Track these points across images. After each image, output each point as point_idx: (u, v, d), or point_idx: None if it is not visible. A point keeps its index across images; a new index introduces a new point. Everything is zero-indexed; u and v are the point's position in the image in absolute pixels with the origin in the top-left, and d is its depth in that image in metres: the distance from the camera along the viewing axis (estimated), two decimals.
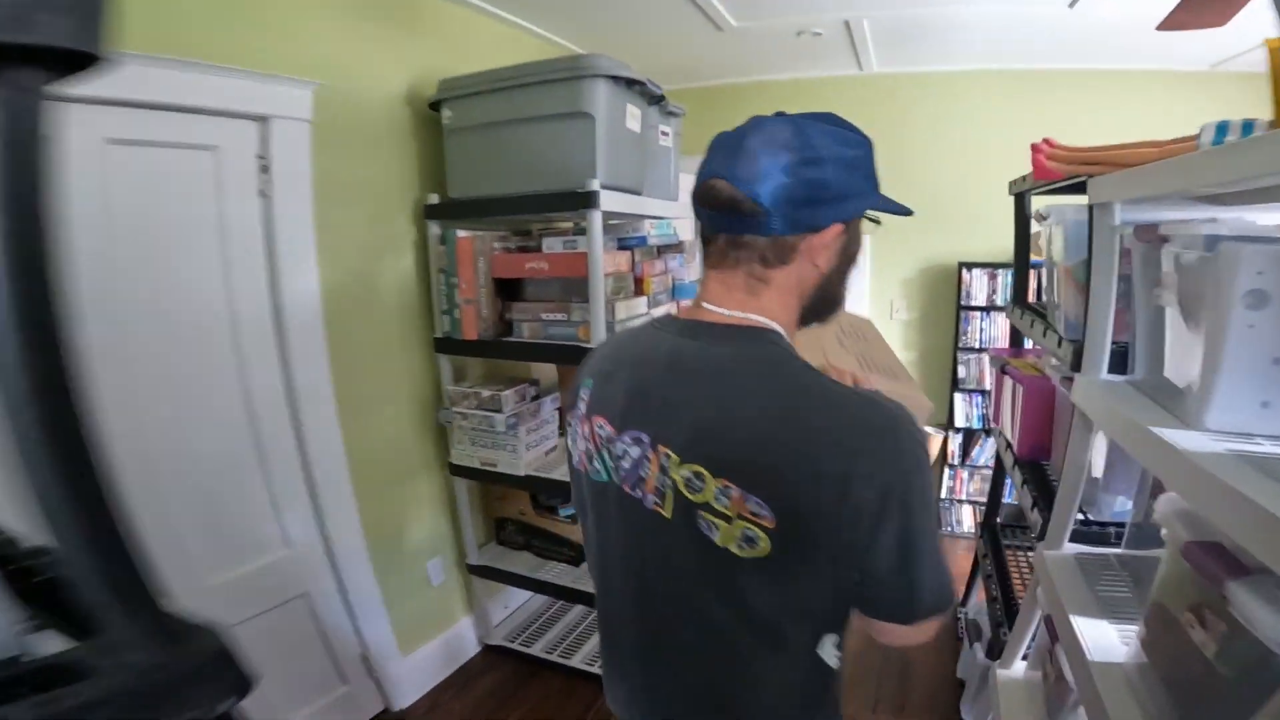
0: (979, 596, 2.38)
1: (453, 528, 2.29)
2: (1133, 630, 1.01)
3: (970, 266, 3.09)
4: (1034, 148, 1.19)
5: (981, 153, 3.03)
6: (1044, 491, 1.53)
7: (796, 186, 0.68)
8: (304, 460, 1.72)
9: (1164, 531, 0.86)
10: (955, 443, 3.25)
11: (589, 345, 1.77)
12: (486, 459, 2.03)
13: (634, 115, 1.90)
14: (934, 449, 3.25)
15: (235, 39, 1.49)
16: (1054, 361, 1.70)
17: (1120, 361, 1.18)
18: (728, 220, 0.72)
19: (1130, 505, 1.35)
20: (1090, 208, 1.18)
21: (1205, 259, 0.85)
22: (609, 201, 1.74)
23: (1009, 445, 1.79)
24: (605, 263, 1.76)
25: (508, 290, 1.97)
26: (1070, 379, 1.40)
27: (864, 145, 0.74)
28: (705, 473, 0.67)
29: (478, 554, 2.31)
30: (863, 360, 1.04)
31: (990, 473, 3.18)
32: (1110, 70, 2.76)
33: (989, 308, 3.09)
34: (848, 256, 0.77)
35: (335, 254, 1.77)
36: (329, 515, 1.78)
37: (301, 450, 1.71)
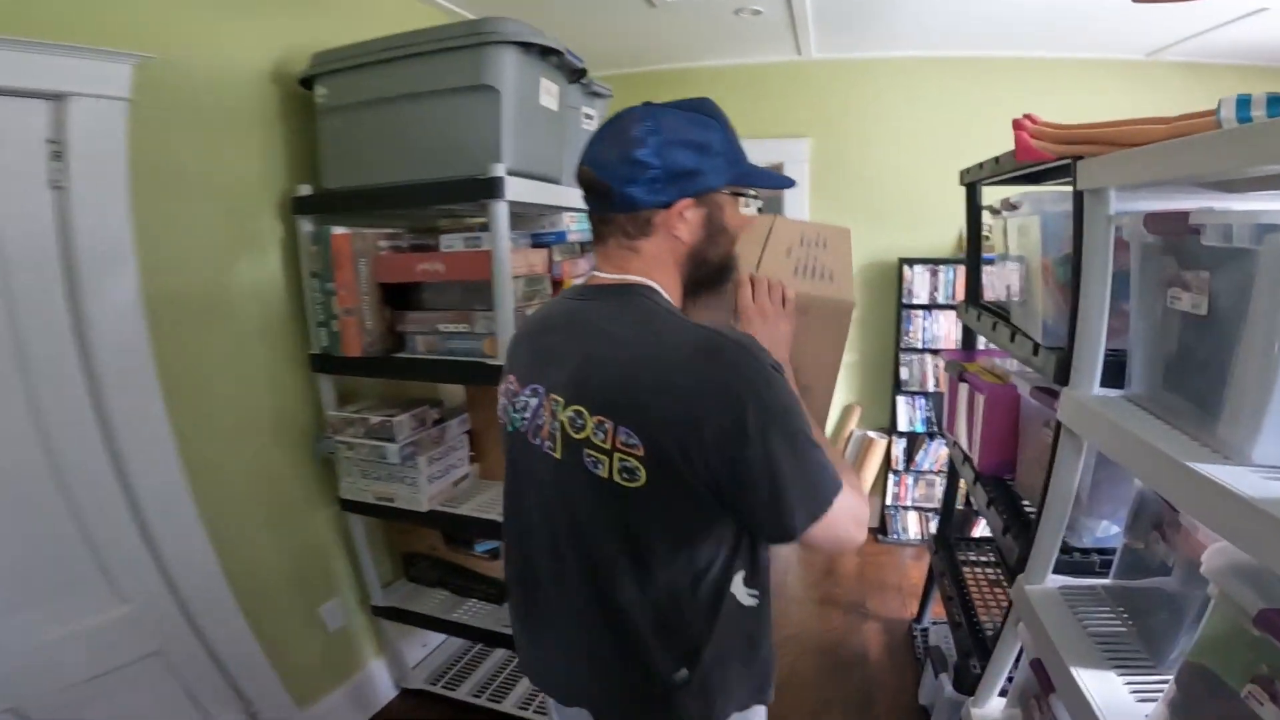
0: (935, 610, 2.26)
1: (351, 567, 1.99)
2: (1142, 681, 0.92)
3: (911, 263, 2.98)
4: (1016, 124, 1.01)
5: (923, 142, 2.93)
6: (1015, 514, 1.38)
7: (640, 167, 0.77)
8: (131, 503, 1.40)
9: (1212, 588, 0.73)
10: (899, 448, 3.14)
11: (496, 362, 1.49)
12: (382, 493, 1.72)
13: (550, 91, 1.63)
14: (878, 454, 3.13)
15: (27, 2, 1.18)
16: (1017, 367, 1.56)
17: (1110, 372, 1.02)
18: (594, 200, 0.83)
19: (1116, 530, 1.21)
20: (1078, 195, 1.01)
21: (1251, 254, 0.69)
22: (518, 190, 1.46)
23: (966, 458, 1.64)
24: (515, 262, 1.48)
25: (399, 298, 1.66)
26: (1045, 389, 1.25)
27: (717, 129, 0.81)
28: (584, 411, 0.75)
29: (383, 594, 2.02)
30: (802, 266, 1.06)
31: (935, 478, 3.12)
32: (1050, 59, 2.74)
33: (931, 306, 2.99)
34: (714, 228, 0.84)
35: (170, 258, 1.44)
36: (173, 565, 1.47)
37: (126, 493, 1.39)
